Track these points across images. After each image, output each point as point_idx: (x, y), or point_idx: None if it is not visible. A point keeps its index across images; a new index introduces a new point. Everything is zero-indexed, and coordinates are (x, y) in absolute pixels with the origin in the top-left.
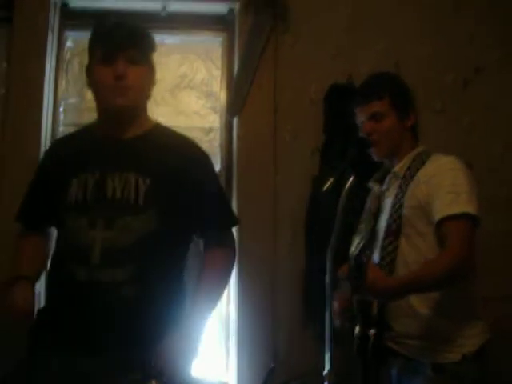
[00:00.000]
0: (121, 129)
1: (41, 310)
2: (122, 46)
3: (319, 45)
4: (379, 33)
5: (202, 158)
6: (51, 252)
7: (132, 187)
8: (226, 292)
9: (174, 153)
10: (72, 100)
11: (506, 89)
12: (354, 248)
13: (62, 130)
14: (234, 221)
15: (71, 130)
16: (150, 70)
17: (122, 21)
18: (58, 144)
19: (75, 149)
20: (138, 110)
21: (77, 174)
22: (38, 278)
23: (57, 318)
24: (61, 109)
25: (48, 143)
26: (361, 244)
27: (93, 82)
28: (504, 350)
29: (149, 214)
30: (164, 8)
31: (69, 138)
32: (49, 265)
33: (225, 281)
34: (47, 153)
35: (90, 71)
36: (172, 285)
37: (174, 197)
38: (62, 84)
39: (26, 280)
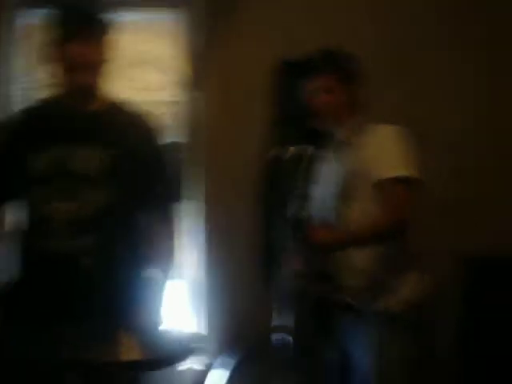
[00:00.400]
0: (82, 104)
1: (11, 283)
2: (77, 28)
3: (272, 21)
4: (327, 10)
5: (156, 134)
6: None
7: (93, 161)
8: (195, 258)
9: (132, 129)
10: (24, 78)
11: (450, 63)
12: (306, 209)
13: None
14: (179, 197)
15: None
16: (105, 49)
17: (79, 3)
18: (18, 119)
19: (39, 122)
20: (97, 86)
21: (40, 147)
22: None
23: (25, 289)
24: (14, 88)
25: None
26: (311, 205)
27: (54, 59)
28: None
29: (108, 186)
30: None
31: (31, 110)
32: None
33: (172, 253)
34: (9, 126)
35: (48, 51)
36: (129, 253)
37: (131, 171)
38: (15, 63)
39: None
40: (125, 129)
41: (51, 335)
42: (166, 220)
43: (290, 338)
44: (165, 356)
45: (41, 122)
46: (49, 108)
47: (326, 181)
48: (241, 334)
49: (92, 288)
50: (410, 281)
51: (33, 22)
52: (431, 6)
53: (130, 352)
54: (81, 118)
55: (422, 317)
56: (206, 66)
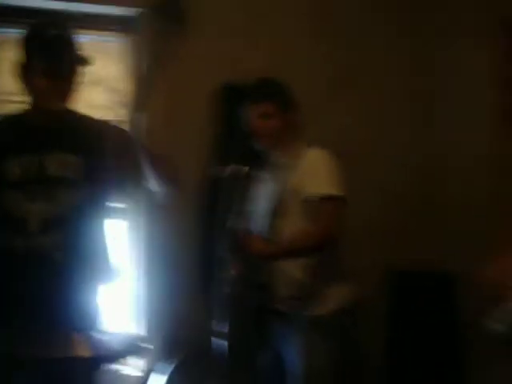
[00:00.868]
0: (50, 119)
1: None
2: (60, 64)
3: (215, 48)
4: (269, 38)
5: (116, 130)
6: None
7: (65, 165)
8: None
9: (93, 131)
10: None
11: (373, 89)
12: (245, 223)
13: None
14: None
15: None
16: (78, 76)
17: (59, 34)
18: None
19: (11, 134)
20: (64, 108)
21: (16, 155)
22: None
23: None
24: None
25: None
26: (249, 220)
27: (29, 86)
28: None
29: (80, 187)
30: (77, 9)
31: (1, 122)
32: None
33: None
34: None
35: (24, 73)
36: (96, 248)
37: (98, 170)
38: None
39: None
40: (87, 133)
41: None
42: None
43: (227, 343)
44: (111, 353)
45: (12, 132)
46: (19, 119)
47: (262, 198)
48: (180, 339)
49: (62, 281)
50: (338, 290)
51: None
52: (370, 31)
53: (80, 349)
54: (50, 130)
55: (348, 324)
56: (150, 87)
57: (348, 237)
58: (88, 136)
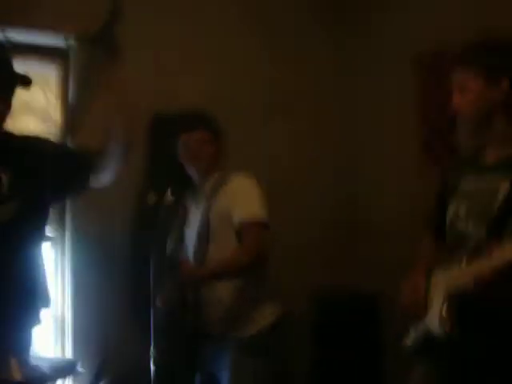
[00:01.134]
0: None
1: None
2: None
3: (147, 78)
4: (202, 70)
5: (45, 143)
6: None
7: None
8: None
9: (27, 148)
10: None
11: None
12: (173, 249)
13: None
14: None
15: None
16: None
17: None
18: None
19: None
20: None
21: None
22: None
23: None
24: None
25: None
26: (177, 246)
27: None
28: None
29: (11, 203)
30: (5, 36)
31: None
32: None
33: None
34: None
35: None
36: (29, 269)
37: (32, 185)
38: None
39: None
40: (19, 149)
41: None
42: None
43: (157, 368)
44: (42, 377)
45: None
46: None
47: (191, 224)
48: (109, 364)
49: None
50: (264, 310)
51: None
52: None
53: (12, 372)
54: None
55: (274, 343)
56: (80, 116)
57: (276, 260)
58: (19, 151)
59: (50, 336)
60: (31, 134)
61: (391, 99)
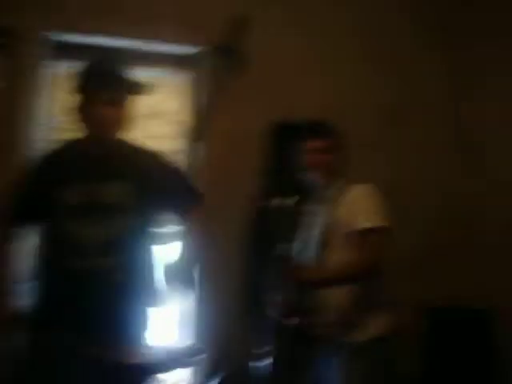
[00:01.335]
0: (101, 147)
1: (38, 302)
2: (108, 94)
3: (268, 87)
4: (321, 78)
5: (163, 157)
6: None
7: (117, 191)
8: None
9: (144, 160)
10: (51, 119)
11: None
12: (293, 252)
13: (41, 145)
14: (199, 197)
15: (46, 144)
16: (127, 109)
17: (118, 68)
18: (49, 157)
19: (66, 161)
20: (116, 137)
21: (71, 183)
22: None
23: (53, 303)
24: (41, 126)
25: (27, 153)
26: (297, 249)
27: (80, 112)
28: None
29: (131, 212)
30: (142, 47)
31: (57, 153)
32: (42, 258)
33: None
34: (39, 164)
35: (79, 103)
36: (145, 270)
37: (148, 195)
38: (43, 105)
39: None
40: (136, 162)
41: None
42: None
43: (268, 366)
44: (160, 363)
45: (65, 161)
46: (72, 149)
47: (309, 229)
48: (225, 357)
49: (116, 299)
50: (378, 318)
51: (59, 71)
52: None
53: (132, 356)
54: (100, 157)
55: (386, 352)
56: (207, 120)
57: (390, 270)
58: (139, 165)
59: (173, 326)
60: (152, 149)
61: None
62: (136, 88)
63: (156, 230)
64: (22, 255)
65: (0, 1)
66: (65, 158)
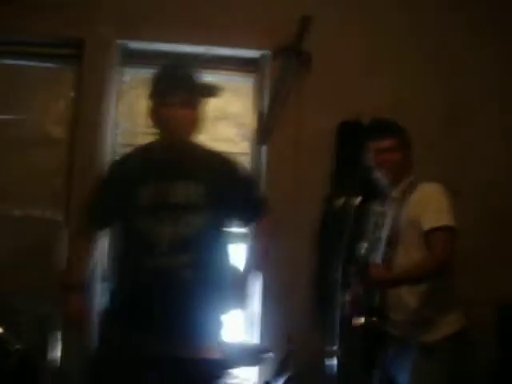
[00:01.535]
0: (174, 150)
1: (111, 299)
2: (181, 96)
3: (334, 86)
4: (384, 76)
5: (237, 165)
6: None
7: (191, 192)
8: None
9: (218, 164)
10: (126, 124)
11: (488, 126)
12: (362, 251)
13: (118, 150)
14: (267, 209)
15: (126, 149)
16: (201, 111)
17: (188, 72)
18: (124, 160)
19: (142, 163)
20: (191, 139)
21: (145, 183)
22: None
23: (127, 302)
24: (118, 131)
25: (107, 159)
26: (366, 249)
27: (154, 116)
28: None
29: (204, 213)
30: (207, 52)
31: (132, 155)
32: (115, 258)
33: (266, 253)
34: (114, 167)
35: (152, 106)
36: (219, 268)
37: (221, 198)
38: (119, 111)
39: (78, 291)
40: (211, 165)
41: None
42: (263, 224)
43: (337, 364)
44: (234, 359)
45: (141, 163)
46: (145, 152)
47: (378, 229)
48: (293, 355)
49: (189, 296)
50: (450, 317)
51: (128, 79)
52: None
53: (210, 352)
54: (176, 159)
55: (458, 351)
56: (272, 122)
57: (462, 267)
58: (210, 167)
59: (240, 326)
60: (223, 152)
61: None
62: (207, 90)
63: (228, 230)
64: (97, 256)
65: (69, 13)
66: (138, 160)
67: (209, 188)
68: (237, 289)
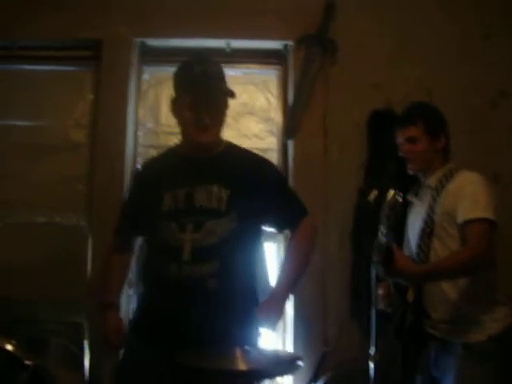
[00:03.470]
0: (202, 151)
1: (137, 309)
2: (206, 97)
3: (362, 75)
4: (414, 63)
5: (270, 166)
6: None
7: (215, 197)
8: None
9: (246, 166)
10: (149, 125)
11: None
12: (395, 245)
13: (141, 151)
14: (304, 212)
15: (149, 150)
16: (225, 108)
17: (205, 69)
18: (149, 165)
19: (165, 168)
20: (216, 141)
21: (169, 188)
22: (120, 297)
23: (150, 313)
24: (140, 132)
25: (130, 161)
26: (386, 233)
27: (179, 118)
28: None
29: (229, 218)
30: (228, 45)
31: (157, 159)
32: (143, 267)
33: (305, 257)
34: (139, 174)
35: (175, 107)
36: (249, 273)
37: (249, 203)
38: (140, 111)
39: (115, 309)
40: (240, 166)
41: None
42: (301, 233)
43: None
44: (267, 369)
45: (166, 165)
46: (171, 154)
47: (412, 220)
48: (328, 359)
49: (215, 306)
50: (496, 315)
51: (148, 77)
52: None
53: (238, 363)
54: (200, 162)
55: (505, 351)
56: (299, 115)
57: (505, 260)
58: (238, 169)
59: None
60: (247, 149)
61: None
62: (226, 89)
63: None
64: (130, 266)
65: (84, 14)
66: (164, 164)
67: (235, 192)
68: (268, 308)
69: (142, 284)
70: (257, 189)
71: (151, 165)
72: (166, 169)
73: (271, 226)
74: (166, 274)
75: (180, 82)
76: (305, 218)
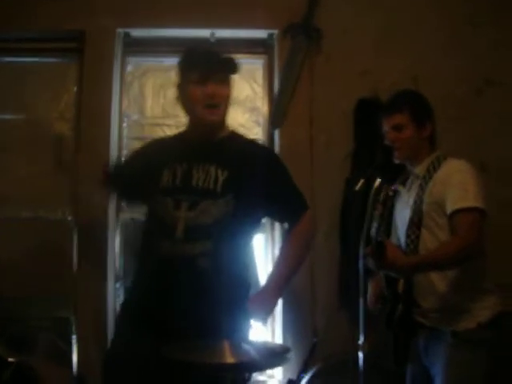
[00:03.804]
0: (207, 134)
1: (130, 288)
2: (213, 70)
3: (348, 63)
4: (401, 51)
5: (274, 157)
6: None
7: (212, 177)
8: None
9: (249, 153)
10: (134, 116)
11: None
12: (383, 236)
13: (126, 143)
14: (306, 206)
15: (134, 142)
16: (232, 88)
17: (210, 49)
18: (153, 144)
19: (167, 147)
20: (223, 120)
21: (168, 164)
22: None
23: (141, 292)
24: (124, 124)
25: (115, 154)
26: (377, 228)
27: (186, 99)
28: None
29: (225, 199)
30: (212, 35)
31: (161, 140)
32: (140, 247)
33: (302, 252)
34: (143, 148)
35: (182, 90)
36: (241, 259)
37: (247, 189)
38: (125, 103)
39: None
40: (242, 151)
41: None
42: (299, 227)
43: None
44: (256, 362)
45: (170, 146)
46: (178, 138)
47: (403, 211)
48: (318, 350)
49: (206, 287)
50: (483, 303)
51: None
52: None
53: (227, 356)
54: (203, 145)
55: (494, 338)
56: (285, 105)
57: (495, 249)
58: (240, 153)
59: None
60: (252, 139)
61: None
62: (234, 65)
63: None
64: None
65: (67, 5)
66: (167, 144)
67: (233, 175)
68: (259, 301)
69: (137, 262)
70: (257, 177)
71: (155, 143)
72: (169, 148)
73: (272, 217)
74: (159, 251)
75: (185, 62)
76: (305, 212)
